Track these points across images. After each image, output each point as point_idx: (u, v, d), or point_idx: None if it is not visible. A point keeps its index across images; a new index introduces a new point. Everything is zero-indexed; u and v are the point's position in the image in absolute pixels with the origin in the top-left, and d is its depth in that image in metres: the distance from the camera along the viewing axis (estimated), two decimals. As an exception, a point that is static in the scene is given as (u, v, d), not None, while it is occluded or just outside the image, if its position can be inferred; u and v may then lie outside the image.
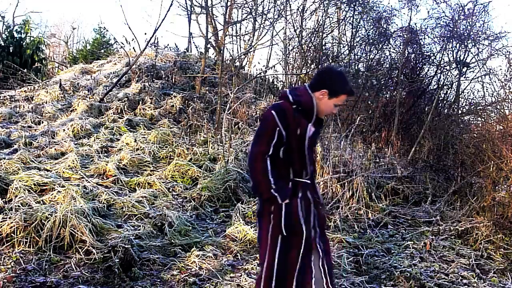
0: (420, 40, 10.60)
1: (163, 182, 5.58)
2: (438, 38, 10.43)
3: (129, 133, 7.15)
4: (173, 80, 10.05)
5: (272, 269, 2.40)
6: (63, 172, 5.54)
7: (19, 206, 4.32)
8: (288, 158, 2.45)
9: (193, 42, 14.14)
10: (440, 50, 10.35)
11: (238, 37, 11.76)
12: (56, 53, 25.67)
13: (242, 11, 11.17)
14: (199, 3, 9.85)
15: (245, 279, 3.57)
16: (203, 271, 3.69)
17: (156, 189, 5.39)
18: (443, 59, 10.43)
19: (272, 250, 2.41)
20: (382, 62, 11.03)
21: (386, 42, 10.68)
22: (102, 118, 7.97)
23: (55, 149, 6.33)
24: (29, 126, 7.53)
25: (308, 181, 2.51)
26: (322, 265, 2.51)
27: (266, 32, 11.47)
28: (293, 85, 11.64)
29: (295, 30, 11.47)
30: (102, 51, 15.98)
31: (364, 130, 9.56)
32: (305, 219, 2.44)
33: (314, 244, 2.49)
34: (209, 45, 9.97)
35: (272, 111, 2.42)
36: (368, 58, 10.96)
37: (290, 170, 2.46)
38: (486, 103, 9.66)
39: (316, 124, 2.54)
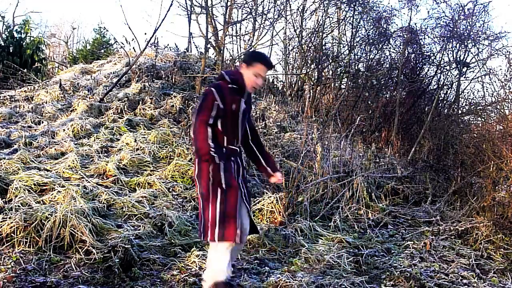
0: (420, 40, 10.62)
1: (163, 182, 5.58)
2: (438, 38, 10.45)
3: (129, 133, 7.14)
4: (173, 80, 10.05)
5: (215, 217, 2.87)
6: (63, 172, 5.54)
7: (19, 206, 4.32)
8: (223, 128, 2.94)
9: (193, 42, 14.13)
10: (440, 50, 10.38)
11: (238, 37, 11.76)
12: (56, 53, 25.68)
13: (242, 11, 11.18)
14: (199, 3, 9.85)
15: (245, 279, 3.57)
16: (203, 271, 3.68)
17: (156, 189, 5.39)
18: (443, 59, 10.45)
19: (214, 201, 2.89)
20: (382, 62, 11.05)
21: (386, 42, 10.69)
22: (102, 118, 7.96)
23: (55, 149, 6.32)
24: (29, 126, 7.52)
25: (238, 148, 3.06)
26: (249, 216, 3.04)
27: (266, 32, 11.49)
28: (293, 85, 11.67)
29: (295, 30, 11.48)
30: (102, 51, 16.00)
31: (364, 130, 9.56)
32: (237, 177, 2.97)
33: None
34: (209, 45, 9.97)
35: (212, 89, 2.91)
36: (368, 58, 10.97)
37: (225, 138, 2.97)
38: (486, 103, 9.68)
39: (247, 99, 3.06)
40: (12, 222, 3.89)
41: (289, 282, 3.55)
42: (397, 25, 18.84)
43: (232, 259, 3.13)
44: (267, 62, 3.01)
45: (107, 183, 5.42)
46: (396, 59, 10.76)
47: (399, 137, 9.28)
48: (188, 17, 11.12)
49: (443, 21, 10.33)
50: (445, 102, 10.79)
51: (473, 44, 10.04)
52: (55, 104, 8.58)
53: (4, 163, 5.42)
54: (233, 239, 2.84)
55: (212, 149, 2.84)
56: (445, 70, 10.51)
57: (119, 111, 8.13)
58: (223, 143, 2.96)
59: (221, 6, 11.77)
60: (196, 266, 3.75)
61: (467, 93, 14.07)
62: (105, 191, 5.04)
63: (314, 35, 10.95)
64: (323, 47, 10.88)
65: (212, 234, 2.86)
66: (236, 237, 2.84)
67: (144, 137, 7.00)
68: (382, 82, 10.79)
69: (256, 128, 3.31)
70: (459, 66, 10.04)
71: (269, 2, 12.06)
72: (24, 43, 12.72)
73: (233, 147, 3.01)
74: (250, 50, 3.20)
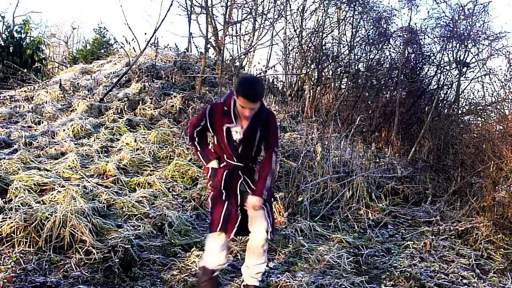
0: (420, 40, 10.62)
1: (163, 182, 5.58)
2: (438, 38, 10.46)
3: (129, 133, 7.14)
4: (173, 80, 10.04)
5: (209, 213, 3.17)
6: (63, 172, 5.54)
7: (19, 206, 4.31)
8: (217, 144, 3.12)
9: (193, 42, 14.13)
10: (440, 50, 10.38)
11: (238, 37, 11.76)
12: (56, 53, 25.68)
13: (242, 11, 11.17)
14: (199, 3, 9.85)
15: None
16: (203, 271, 3.69)
17: (156, 189, 5.39)
18: (443, 59, 10.46)
19: (209, 198, 3.20)
20: (382, 62, 11.05)
21: (386, 42, 10.69)
22: (102, 118, 7.96)
23: (55, 149, 6.32)
24: (29, 126, 7.52)
25: (240, 164, 3.11)
26: (267, 218, 3.13)
27: (266, 32, 11.47)
28: (293, 85, 11.67)
29: (295, 30, 11.47)
30: (102, 51, 15.99)
31: (364, 130, 9.56)
32: (227, 186, 3.10)
33: (241, 204, 3.13)
34: (209, 45, 9.97)
35: (208, 105, 3.12)
36: (368, 58, 10.97)
37: (223, 154, 3.11)
38: (486, 103, 9.69)
39: (253, 123, 3.02)
40: (12, 222, 3.89)
41: (289, 282, 3.55)
42: (397, 25, 18.85)
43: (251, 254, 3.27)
44: (247, 95, 2.84)
45: (107, 183, 5.42)
46: (396, 59, 10.77)
47: (399, 137, 9.28)
48: (188, 17, 11.12)
49: (443, 21, 10.34)
50: (445, 102, 10.80)
51: (473, 44, 10.05)
52: (55, 104, 8.57)
53: (4, 163, 5.42)
54: (214, 230, 3.09)
55: (199, 149, 3.16)
56: (445, 70, 10.51)
57: (119, 111, 8.13)
58: (223, 157, 3.12)
59: (221, 6, 11.76)
60: (196, 266, 3.74)
61: (467, 93, 14.09)
62: (105, 191, 5.04)
63: (314, 35, 10.95)
64: (323, 47, 10.87)
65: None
66: (218, 227, 3.06)
67: (144, 137, 7.00)
68: (382, 82, 10.80)
69: (271, 152, 3.17)
70: (459, 66, 10.04)
71: (269, 2, 12.05)
72: (24, 43, 12.71)
73: (232, 162, 3.10)
74: (240, 77, 3.11)
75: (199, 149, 3.16)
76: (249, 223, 3.18)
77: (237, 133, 3.03)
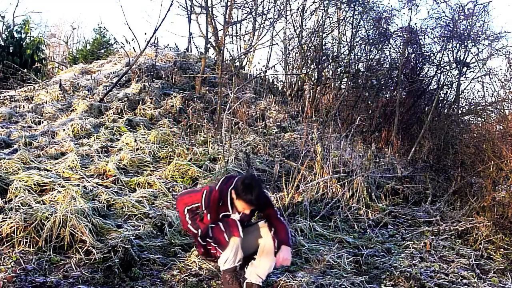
0: (420, 40, 10.61)
1: (163, 182, 5.58)
2: (438, 38, 10.46)
3: (129, 133, 7.14)
4: (173, 80, 10.05)
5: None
6: (63, 172, 5.54)
7: (19, 206, 4.31)
8: (212, 220, 3.18)
9: (193, 42, 14.10)
10: (440, 50, 10.38)
11: (238, 37, 11.76)
12: (56, 53, 25.65)
13: (242, 11, 11.17)
14: (199, 3, 9.85)
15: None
16: (203, 271, 3.70)
17: (156, 189, 5.39)
18: (443, 59, 10.45)
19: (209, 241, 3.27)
20: (382, 62, 11.04)
21: (386, 42, 10.69)
22: (102, 118, 7.96)
23: (55, 149, 6.32)
24: (29, 126, 7.52)
25: None
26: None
27: (266, 32, 11.49)
28: (293, 85, 11.67)
29: (295, 30, 11.48)
30: (102, 51, 15.97)
31: (364, 130, 9.57)
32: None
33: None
34: (209, 45, 9.97)
35: (206, 191, 3.17)
36: (368, 58, 10.97)
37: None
38: (486, 103, 9.70)
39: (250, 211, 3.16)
40: (12, 222, 3.89)
41: (289, 282, 3.55)
42: (397, 25, 18.86)
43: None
44: (247, 201, 3.04)
45: (107, 183, 5.42)
46: (396, 59, 10.77)
47: (399, 137, 9.28)
48: (188, 17, 11.12)
49: (443, 21, 10.33)
50: (445, 102, 10.79)
51: (473, 44, 10.05)
52: (55, 104, 8.57)
53: (4, 163, 5.42)
54: (225, 244, 3.18)
55: (189, 222, 3.20)
56: (445, 70, 10.51)
57: (119, 111, 8.13)
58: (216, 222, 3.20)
59: (221, 6, 11.79)
60: (196, 266, 3.75)
61: (467, 93, 14.07)
62: (105, 191, 5.04)
63: (314, 35, 10.95)
64: (323, 47, 10.87)
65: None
66: (226, 238, 3.15)
67: (144, 137, 7.00)
68: (382, 82, 10.79)
69: (277, 218, 3.33)
70: (459, 66, 10.04)
71: (269, 2, 12.07)
72: (24, 43, 12.70)
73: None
74: (242, 179, 3.13)
75: (189, 222, 3.22)
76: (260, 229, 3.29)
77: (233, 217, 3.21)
